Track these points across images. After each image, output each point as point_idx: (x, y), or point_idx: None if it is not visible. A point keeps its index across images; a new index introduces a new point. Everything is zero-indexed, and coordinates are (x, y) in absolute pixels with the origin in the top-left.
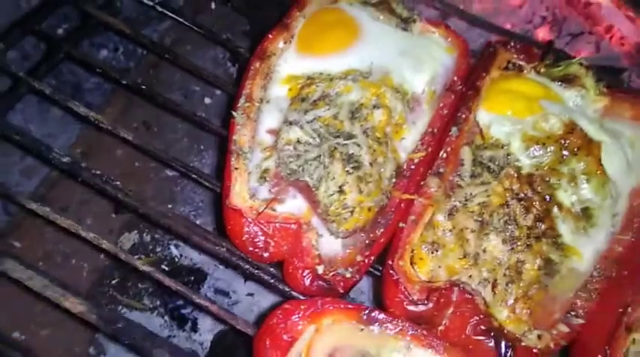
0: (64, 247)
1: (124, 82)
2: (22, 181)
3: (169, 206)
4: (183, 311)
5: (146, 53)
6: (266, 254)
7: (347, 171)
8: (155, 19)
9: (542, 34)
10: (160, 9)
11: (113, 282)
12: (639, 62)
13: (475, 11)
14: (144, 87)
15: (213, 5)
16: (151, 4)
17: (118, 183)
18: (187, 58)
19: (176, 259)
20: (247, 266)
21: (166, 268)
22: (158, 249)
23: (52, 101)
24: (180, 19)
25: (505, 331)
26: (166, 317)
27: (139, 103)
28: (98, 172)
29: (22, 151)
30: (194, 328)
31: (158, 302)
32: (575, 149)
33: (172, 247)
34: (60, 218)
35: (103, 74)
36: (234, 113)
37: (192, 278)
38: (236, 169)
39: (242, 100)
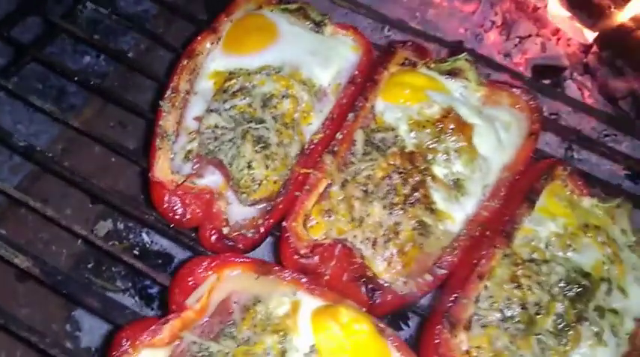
0: (45, 234)
1: (77, 79)
2: (9, 177)
3: (142, 197)
4: (151, 291)
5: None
6: (184, 220)
7: (256, 150)
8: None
9: (493, 36)
10: (114, 18)
11: (89, 266)
12: (581, 61)
13: (430, 17)
14: (94, 85)
15: None
16: (105, 12)
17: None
18: (143, 64)
19: (147, 245)
20: (171, 231)
21: (137, 253)
22: (131, 236)
23: (23, 100)
24: (129, 24)
25: (377, 279)
26: (136, 297)
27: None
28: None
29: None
30: (160, 307)
31: (129, 284)
32: (449, 130)
33: (144, 235)
34: (41, 207)
35: (65, 76)
36: (161, 102)
37: (160, 261)
38: (160, 148)
39: (169, 92)
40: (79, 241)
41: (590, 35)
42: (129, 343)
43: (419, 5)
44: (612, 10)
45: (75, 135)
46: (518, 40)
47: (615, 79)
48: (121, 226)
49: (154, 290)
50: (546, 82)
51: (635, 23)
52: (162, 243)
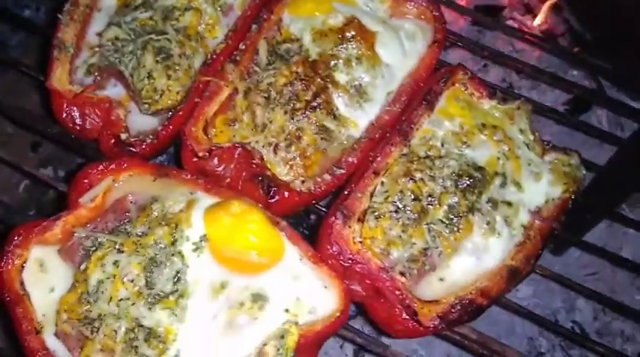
0: None
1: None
2: None
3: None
4: None
5: None
6: (84, 129)
7: (157, 60)
8: None
9: None
10: None
11: (30, 213)
12: (522, 1)
13: None
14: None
15: None
16: None
17: None
18: None
19: None
20: (75, 144)
21: None
22: (45, 176)
23: None
24: None
25: (275, 178)
26: None
27: None
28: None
29: None
30: None
31: None
32: (350, 37)
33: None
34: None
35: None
36: (59, 15)
37: None
38: (57, 59)
39: (67, 5)
40: (21, 188)
41: None
42: (20, 238)
43: None
44: None
45: (14, 85)
46: None
47: (553, 16)
48: (62, 173)
49: None
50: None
51: None
52: None
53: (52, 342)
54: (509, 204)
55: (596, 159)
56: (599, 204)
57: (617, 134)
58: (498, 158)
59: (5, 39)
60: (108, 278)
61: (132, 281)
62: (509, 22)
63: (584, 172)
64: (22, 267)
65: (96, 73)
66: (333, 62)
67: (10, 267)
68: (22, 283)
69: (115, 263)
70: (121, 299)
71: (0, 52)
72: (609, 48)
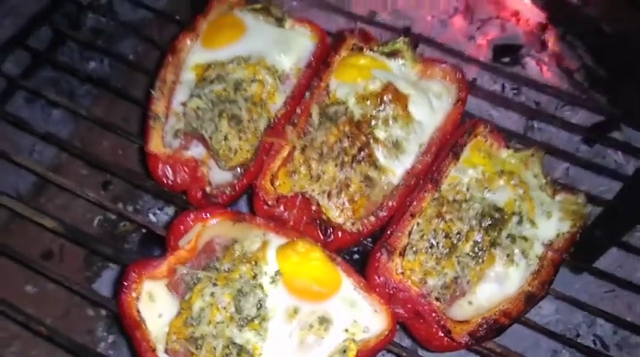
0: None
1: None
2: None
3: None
4: None
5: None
6: (175, 184)
7: (230, 126)
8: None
9: (458, 22)
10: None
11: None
12: (538, 39)
13: (400, 6)
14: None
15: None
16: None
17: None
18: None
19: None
20: (165, 195)
21: (144, 232)
22: (139, 218)
23: (53, 104)
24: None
25: (330, 221)
26: None
27: (119, 103)
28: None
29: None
30: None
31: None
32: (387, 101)
33: (151, 216)
34: (73, 185)
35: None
36: (151, 91)
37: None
38: (153, 128)
39: (158, 83)
40: (95, 223)
41: (544, 14)
42: (136, 275)
43: None
44: None
45: (86, 133)
46: (480, 23)
47: (569, 53)
48: (130, 209)
49: None
50: (506, 60)
51: (580, 0)
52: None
53: None
54: (525, 239)
55: (611, 185)
56: (608, 234)
57: (630, 164)
58: (515, 200)
59: (74, 88)
60: (207, 306)
61: (225, 308)
62: (528, 59)
63: (589, 209)
64: (138, 298)
65: (181, 137)
66: (373, 122)
67: (129, 298)
68: (138, 311)
69: (212, 294)
70: (217, 322)
71: (70, 103)
72: (622, 84)
